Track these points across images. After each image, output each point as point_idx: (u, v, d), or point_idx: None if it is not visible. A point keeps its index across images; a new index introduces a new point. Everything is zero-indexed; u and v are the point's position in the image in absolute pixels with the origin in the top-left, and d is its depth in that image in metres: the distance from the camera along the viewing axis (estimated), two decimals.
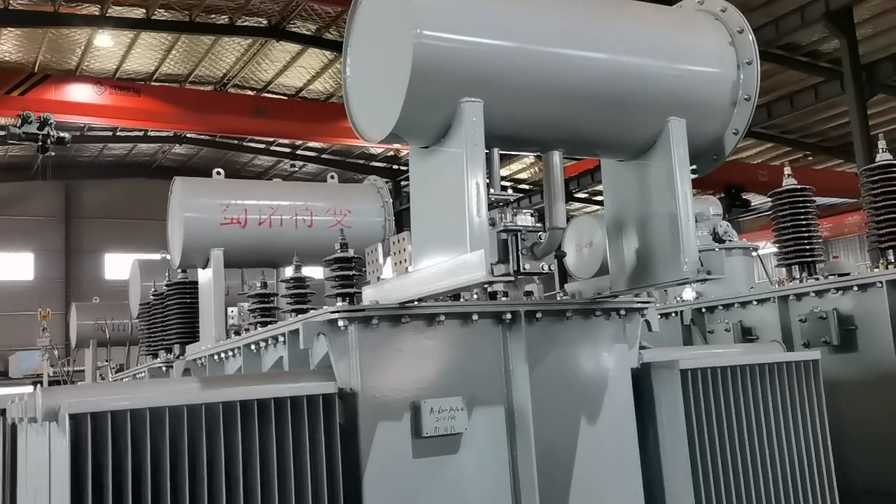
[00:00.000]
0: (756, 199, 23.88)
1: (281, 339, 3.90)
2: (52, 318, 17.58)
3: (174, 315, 6.37)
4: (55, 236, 30.62)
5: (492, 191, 3.26)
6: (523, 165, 28.05)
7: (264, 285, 5.09)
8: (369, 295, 3.60)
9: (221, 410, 3.02)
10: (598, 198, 28.62)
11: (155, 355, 6.88)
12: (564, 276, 7.34)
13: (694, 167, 3.58)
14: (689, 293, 6.35)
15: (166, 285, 6.58)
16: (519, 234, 3.48)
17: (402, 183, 27.38)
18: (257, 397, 3.09)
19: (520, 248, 3.49)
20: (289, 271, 4.71)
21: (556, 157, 3.51)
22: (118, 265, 28.16)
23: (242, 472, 3.04)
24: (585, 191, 27.53)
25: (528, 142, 3.53)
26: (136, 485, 2.86)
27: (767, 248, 16.02)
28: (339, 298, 3.84)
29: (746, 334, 5.67)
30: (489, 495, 3.54)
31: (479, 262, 2.97)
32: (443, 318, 3.56)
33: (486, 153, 3.22)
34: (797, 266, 5.58)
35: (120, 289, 11.72)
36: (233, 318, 5.60)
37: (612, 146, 3.61)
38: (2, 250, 29.33)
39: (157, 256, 9.32)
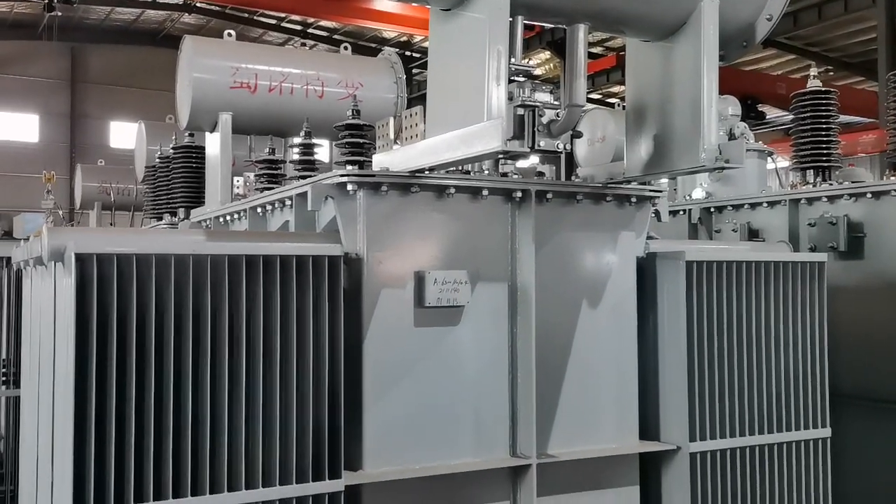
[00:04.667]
0: (771, 113, 23.48)
1: (288, 202, 3.87)
2: (56, 182, 17.53)
3: (180, 178, 6.34)
4: (61, 100, 30.25)
5: (513, 60, 3.16)
6: (538, 61, 27.46)
7: (272, 152, 5.04)
8: (380, 161, 3.55)
9: (227, 263, 3.01)
10: (612, 100, 28.16)
11: (159, 218, 6.88)
12: (572, 166, 7.28)
13: (722, 53, 3.47)
14: (698, 192, 6.30)
15: (173, 148, 6.52)
16: (536, 109, 3.40)
17: (415, 71, 26.88)
18: (263, 253, 3.08)
19: (536, 124, 3.42)
20: (297, 141, 4.64)
21: (581, 31, 3.38)
22: (123, 134, 27.92)
23: (245, 327, 3.06)
24: (599, 91, 27.07)
25: (554, 11, 3.39)
26: (140, 330, 2.88)
27: (779, 161, 15.84)
28: (348, 165, 3.80)
29: (753, 236, 5.65)
30: (486, 369, 3.59)
31: (494, 132, 2.91)
32: (453, 191, 3.53)
33: (510, 21, 3.12)
34: (812, 170, 5.51)
35: (125, 157, 11.64)
36: (238, 187, 5.57)
37: (639, 23, 3.48)
38: (6, 109, 29.03)
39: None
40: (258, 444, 3.06)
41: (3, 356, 6.67)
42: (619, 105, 9.05)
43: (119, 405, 2.84)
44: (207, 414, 2.97)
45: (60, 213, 14.96)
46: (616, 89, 24.91)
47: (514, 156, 3.55)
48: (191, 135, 6.26)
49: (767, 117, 23.49)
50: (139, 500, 2.85)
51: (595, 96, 28.19)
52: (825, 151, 5.47)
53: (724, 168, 3.41)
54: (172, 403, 2.92)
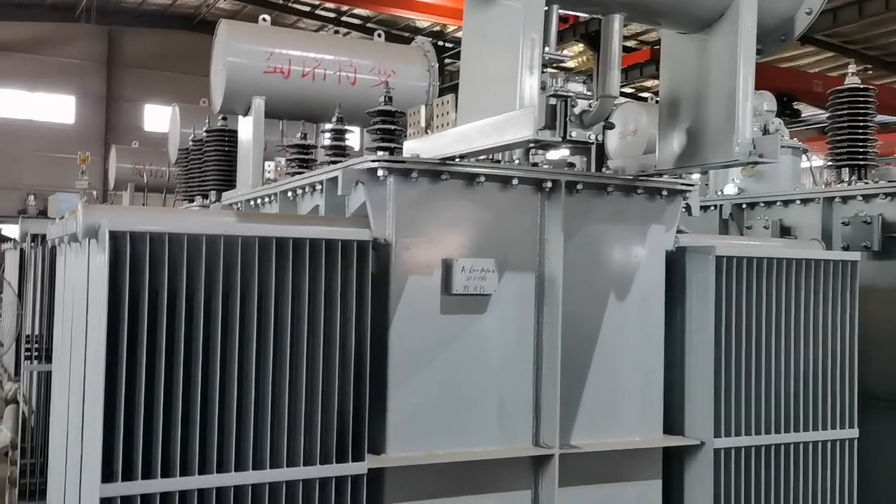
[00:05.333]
0: (807, 111, 23.13)
1: (318, 186, 3.90)
2: (90, 163, 17.74)
3: (212, 161, 6.39)
4: (97, 82, 30.56)
5: (546, 49, 3.15)
6: (571, 54, 27.28)
7: (304, 136, 5.06)
8: (410, 148, 3.55)
9: (257, 245, 3.04)
10: (645, 94, 27.91)
11: (191, 200, 6.95)
12: (603, 158, 7.23)
13: (759, 47, 3.43)
14: (730, 188, 6.24)
15: (206, 132, 6.57)
16: (569, 100, 3.39)
17: (447, 61, 26.83)
18: (293, 236, 3.10)
19: (568, 115, 3.41)
20: (329, 126, 4.66)
21: (617, 22, 3.35)
22: (158, 116, 28.18)
23: (273, 308, 3.09)
24: (633, 85, 26.85)
25: (589, 1, 3.38)
26: (171, 308, 2.92)
27: (814, 159, 15.55)
28: (379, 151, 3.81)
29: (785, 233, 5.59)
30: (511, 358, 3.60)
31: (526, 121, 2.90)
32: (483, 179, 3.52)
33: (545, 10, 3.11)
34: (847, 169, 5.44)
35: (158, 139, 11.75)
36: (269, 172, 5.61)
37: (676, 14, 3.45)
38: (44, 90, 29.40)
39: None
40: (284, 424, 3.09)
41: (35, 332, 6.79)
42: (652, 99, 8.97)
43: (148, 382, 2.88)
44: (234, 393, 3.01)
45: (94, 193, 15.16)
46: (650, 84, 24.66)
47: (546, 145, 3.55)
48: (224, 118, 6.32)
49: (803, 115, 23.15)
50: (166, 474, 2.90)
51: (628, 90, 27.90)
52: (861, 150, 5.40)
53: (757, 163, 3.37)
54: (201, 381, 2.96)
